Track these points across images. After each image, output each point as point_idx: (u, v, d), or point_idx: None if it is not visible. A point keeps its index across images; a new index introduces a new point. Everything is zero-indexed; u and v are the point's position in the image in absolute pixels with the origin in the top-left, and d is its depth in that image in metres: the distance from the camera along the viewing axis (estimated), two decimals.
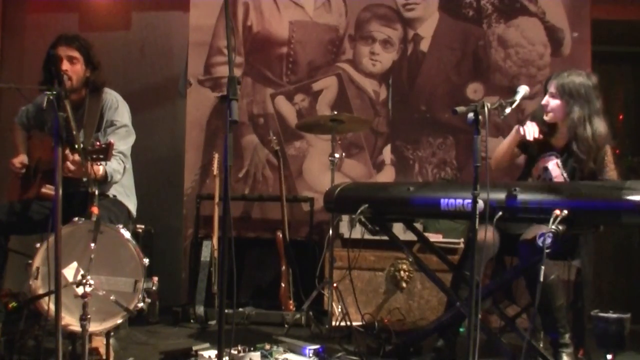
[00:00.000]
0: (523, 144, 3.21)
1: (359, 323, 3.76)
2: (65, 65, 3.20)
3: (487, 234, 2.49)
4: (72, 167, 2.92)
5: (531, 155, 3.22)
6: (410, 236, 3.47)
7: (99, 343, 2.91)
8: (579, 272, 3.12)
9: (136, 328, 3.75)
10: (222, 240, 3.84)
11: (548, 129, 3.12)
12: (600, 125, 2.98)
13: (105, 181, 3.14)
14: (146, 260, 2.84)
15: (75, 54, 3.25)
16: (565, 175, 3.07)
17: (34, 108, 3.41)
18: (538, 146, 3.16)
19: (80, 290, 2.52)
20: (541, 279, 2.41)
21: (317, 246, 4.36)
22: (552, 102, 3.07)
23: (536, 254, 2.75)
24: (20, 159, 3.31)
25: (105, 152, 2.72)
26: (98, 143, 2.74)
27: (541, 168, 3.14)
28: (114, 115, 3.29)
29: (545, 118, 3.09)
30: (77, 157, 2.88)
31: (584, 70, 3.22)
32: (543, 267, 2.41)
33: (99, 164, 2.86)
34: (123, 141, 3.28)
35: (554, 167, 3.10)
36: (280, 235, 4.22)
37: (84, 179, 2.98)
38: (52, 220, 2.28)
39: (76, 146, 2.83)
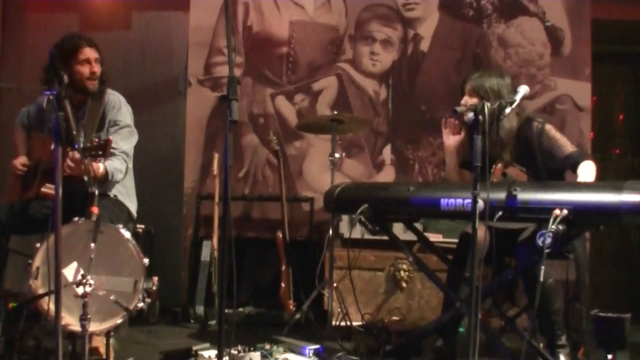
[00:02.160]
0: (464, 162, 3.26)
1: (359, 323, 3.76)
2: (95, 67, 3.22)
3: (479, 232, 2.48)
4: (71, 164, 2.92)
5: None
6: (410, 236, 3.47)
7: (99, 343, 2.91)
8: (576, 267, 3.13)
9: (136, 328, 3.75)
10: (222, 240, 3.84)
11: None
12: (510, 120, 3.01)
13: (106, 180, 3.14)
14: (146, 260, 2.84)
15: (99, 55, 3.27)
16: (523, 169, 3.09)
17: (35, 109, 3.41)
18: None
19: (80, 290, 2.52)
20: (541, 279, 2.41)
21: (317, 246, 4.36)
22: (470, 100, 3.08)
23: (533, 256, 2.76)
24: (22, 160, 3.32)
25: (104, 149, 2.72)
26: (96, 140, 2.74)
27: (500, 177, 3.16)
28: (117, 115, 3.30)
29: (465, 118, 3.06)
30: (76, 154, 2.88)
31: (499, 70, 3.40)
32: (543, 267, 2.41)
33: (97, 160, 2.85)
34: (126, 141, 3.29)
35: (509, 168, 3.14)
36: (280, 235, 4.22)
37: (85, 179, 2.98)
38: (52, 220, 2.28)
39: (76, 145, 2.83)
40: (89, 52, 3.23)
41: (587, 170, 2.90)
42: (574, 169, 2.96)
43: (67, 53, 3.19)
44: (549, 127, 3.05)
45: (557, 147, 3.00)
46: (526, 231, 2.94)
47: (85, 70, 3.20)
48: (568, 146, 3.00)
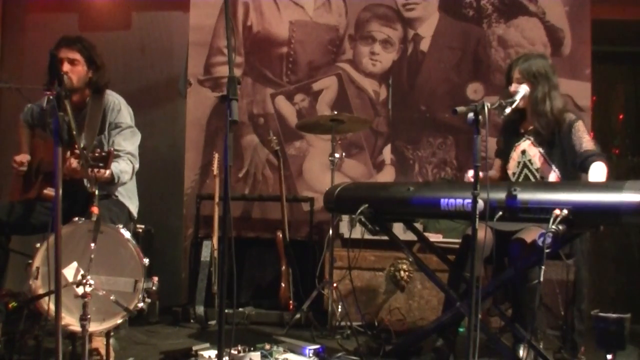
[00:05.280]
0: (498, 150, 3.41)
1: (359, 323, 3.76)
2: (66, 67, 3.20)
3: (482, 233, 2.49)
4: (70, 169, 2.90)
5: (506, 152, 3.32)
6: (410, 236, 3.47)
7: (99, 343, 2.91)
8: (576, 271, 3.13)
9: (136, 328, 3.75)
10: (222, 240, 3.84)
11: (516, 115, 3.21)
12: (558, 100, 3.15)
13: (112, 182, 3.13)
14: (146, 260, 2.84)
15: (76, 55, 3.25)
16: (542, 152, 3.16)
17: (38, 108, 3.41)
18: (510, 137, 3.31)
19: (80, 290, 2.51)
20: (541, 279, 2.41)
21: (317, 246, 4.36)
22: (519, 87, 3.16)
23: (526, 255, 2.78)
24: (22, 157, 3.31)
25: (105, 160, 2.71)
26: (99, 150, 2.73)
27: (519, 153, 3.24)
28: (118, 117, 3.29)
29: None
30: (73, 163, 2.87)
31: (540, 53, 3.55)
32: (543, 267, 2.41)
33: (98, 170, 2.84)
34: (130, 141, 3.29)
35: (530, 147, 3.21)
36: (280, 235, 4.22)
37: (85, 182, 2.97)
38: (52, 220, 2.28)
39: (77, 149, 2.83)
40: (63, 52, 3.23)
41: (597, 173, 2.93)
42: (584, 166, 2.99)
43: (52, 53, 3.21)
44: (580, 123, 3.11)
45: (578, 142, 3.06)
46: (522, 230, 2.95)
47: (61, 69, 3.19)
48: (588, 144, 3.06)
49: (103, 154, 2.72)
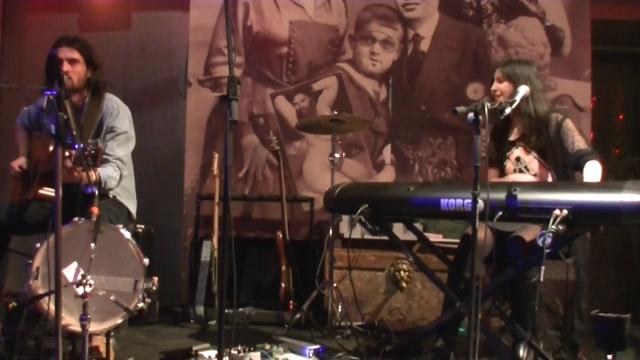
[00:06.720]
0: (490, 159, 3.34)
1: (359, 323, 3.76)
2: (66, 67, 3.21)
3: (481, 232, 2.49)
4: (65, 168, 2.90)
5: (499, 160, 3.32)
6: (410, 236, 3.47)
7: (99, 343, 2.91)
8: (576, 268, 3.14)
9: (136, 328, 3.75)
10: (222, 240, 3.84)
11: (503, 123, 3.22)
12: (542, 103, 3.16)
13: (99, 187, 3.13)
14: (146, 260, 2.85)
15: (76, 55, 3.25)
16: (537, 156, 3.17)
17: (35, 109, 3.41)
18: (500, 145, 3.31)
19: (80, 290, 2.51)
20: (541, 279, 2.41)
21: (317, 246, 4.35)
22: (500, 86, 3.23)
23: (524, 253, 2.77)
24: (19, 162, 3.32)
25: (94, 158, 2.72)
26: (89, 148, 2.74)
27: (514, 160, 3.24)
28: (114, 121, 3.29)
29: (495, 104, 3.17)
30: (68, 162, 2.87)
31: (525, 58, 3.65)
32: (543, 267, 2.41)
33: (88, 168, 2.83)
34: (122, 147, 3.28)
35: (523, 153, 3.22)
36: (280, 235, 4.22)
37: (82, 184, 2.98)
38: (52, 220, 2.28)
39: (76, 145, 2.83)
40: (62, 52, 3.23)
41: (592, 172, 2.93)
42: (579, 166, 2.99)
43: (51, 54, 3.22)
44: (567, 121, 3.12)
45: (570, 142, 3.06)
46: (521, 228, 2.95)
47: (61, 69, 3.19)
48: (580, 143, 3.06)
49: (92, 151, 2.72)
